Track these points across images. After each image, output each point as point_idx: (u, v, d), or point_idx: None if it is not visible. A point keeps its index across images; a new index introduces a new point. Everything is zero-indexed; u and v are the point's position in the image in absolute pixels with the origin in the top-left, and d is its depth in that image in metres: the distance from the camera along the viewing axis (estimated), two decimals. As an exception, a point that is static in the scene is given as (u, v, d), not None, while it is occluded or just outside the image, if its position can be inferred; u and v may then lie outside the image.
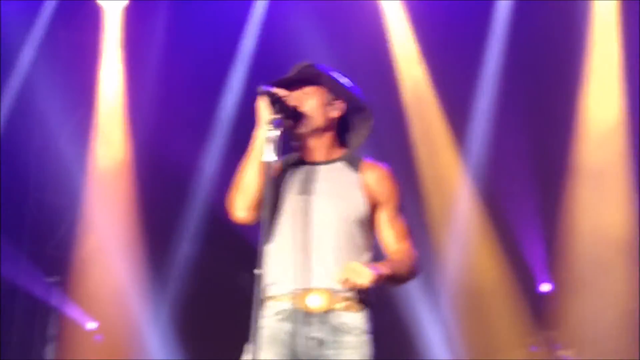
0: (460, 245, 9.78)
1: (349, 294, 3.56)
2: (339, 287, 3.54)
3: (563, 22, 9.28)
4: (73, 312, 9.75)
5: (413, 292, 9.50)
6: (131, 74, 10.17)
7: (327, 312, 3.55)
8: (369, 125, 3.85)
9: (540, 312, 9.56)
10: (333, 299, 3.55)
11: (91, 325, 9.78)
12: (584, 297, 9.21)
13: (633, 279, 9.05)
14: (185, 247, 9.73)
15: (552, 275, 9.63)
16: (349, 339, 3.55)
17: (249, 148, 3.62)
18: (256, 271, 3.35)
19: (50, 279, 9.84)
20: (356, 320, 3.58)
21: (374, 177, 3.74)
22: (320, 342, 3.53)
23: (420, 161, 9.89)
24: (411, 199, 9.67)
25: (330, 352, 3.53)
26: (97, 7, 10.15)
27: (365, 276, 3.47)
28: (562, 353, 9.16)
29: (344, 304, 3.57)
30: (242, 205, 3.62)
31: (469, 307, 9.67)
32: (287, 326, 3.54)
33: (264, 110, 3.56)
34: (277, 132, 3.51)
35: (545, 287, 9.68)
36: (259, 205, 3.57)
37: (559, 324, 9.32)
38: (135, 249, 9.81)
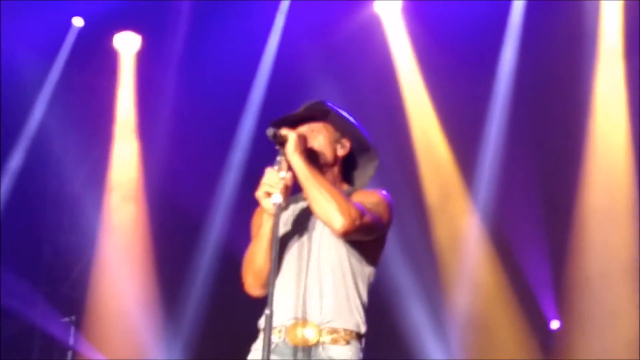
0: (469, 283, 9.77)
1: (337, 327, 3.52)
2: (327, 320, 3.51)
3: (569, 59, 9.29)
4: (88, 351, 9.80)
5: (422, 329, 9.53)
6: (145, 116, 10.29)
7: (314, 345, 3.50)
8: (375, 165, 3.85)
9: (550, 350, 9.57)
10: (320, 332, 3.51)
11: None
12: (593, 335, 9.18)
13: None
14: (198, 286, 9.78)
15: (561, 313, 9.63)
16: None
17: (258, 231, 3.59)
18: (266, 311, 3.31)
19: (66, 319, 9.93)
20: (343, 353, 3.50)
21: (361, 193, 3.72)
22: None
23: (430, 200, 9.91)
24: (420, 238, 9.72)
25: None
26: (112, 50, 10.29)
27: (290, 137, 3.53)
28: (571, 390, 9.18)
29: (331, 337, 3.51)
30: (256, 284, 3.61)
31: (479, 344, 9.64)
32: None
33: (265, 201, 3.52)
34: (288, 175, 3.50)
35: (554, 325, 9.69)
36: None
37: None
38: (149, 289, 9.88)
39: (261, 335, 3.54)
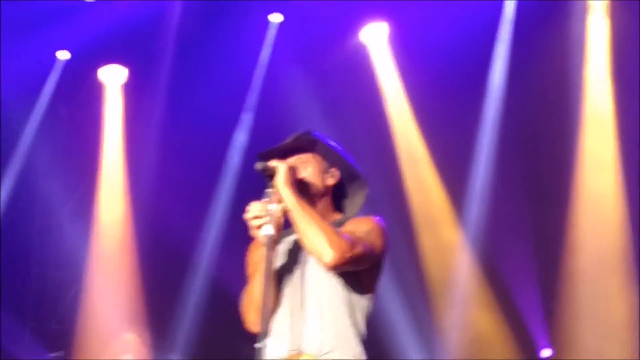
0: (460, 310, 9.76)
1: (335, 358, 3.49)
2: (325, 351, 3.48)
3: (557, 80, 9.30)
4: (77, 386, 9.75)
5: (413, 357, 9.50)
6: (132, 149, 10.26)
7: None
8: (364, 193, 3.84)
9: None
10: None
11: None
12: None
13: (634, 346, 9.03)
14: (188, 321, 9.73)
15: (553, 340, 9.61)
16: None
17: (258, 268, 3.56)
18: (257, 345, 3.29)
19: (54, 354, 9.85)
20: None
21: (354, 222, 3.71)
22: None
23: (419, 226, 9.91)
24: (411, 264, 9.70)
25: None
26: (98, 83, 10.27)
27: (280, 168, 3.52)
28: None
29: None
30: (256, 321, 3.53)
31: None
32: None
33: (254, 232, 3.53)
34: (279, 207, 3.50)
35: (545, 353, 9.66)
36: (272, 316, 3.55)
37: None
38: (138, 323, 9.82)
39: None
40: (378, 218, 3.73)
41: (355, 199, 3.86)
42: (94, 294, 9.92)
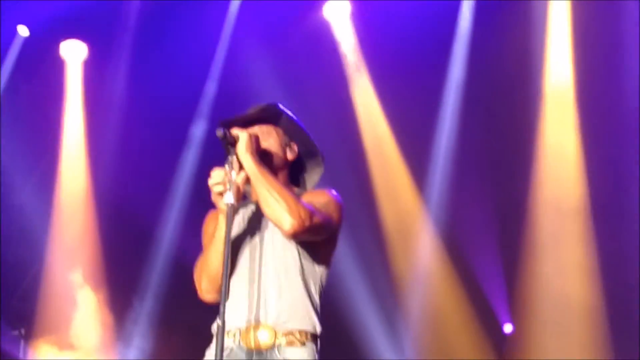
0: (422, 287, 9.80)
1: (292, 328, 3.50)
2: (281, 322, 3.49)
3: (518, 59, 9.33)
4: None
5: (376, 334, 9.53)
6: (93, 125, 10.19)
7: (270, 348, 3.47)
8: (321, 171, 3.86)
9: (504, 353, 9.60)
10: (275, 334, 3.48)
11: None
12: (547, 337, 9.24)
13: (597, 318, 9.11)
14: (150, 294, 9.72)
15: (515, 316, 9.68)
16: None
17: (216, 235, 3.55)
18: (218, 321, 3.27)
19: (15, 332, 9.80)
20: (299, 355, 3.48)
21: (310, 194, 3.71)
22: None
23: (381, 205, 9.93)
24: (373, 242, 9.72)
25: None
26: (58, 59, 10.19)
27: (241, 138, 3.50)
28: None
29: (286, 339, 3.49)
30: (211, 288, 3.57)
31: (432, 348, 9.68)
32: None
33: (216, 198, 3.52)
34: (240, 175, 3.48)
35: (508, 328, 9.73)
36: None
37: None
38: (100, 298, 9.79)
39: (215, 340, 3.46)
40: (334, 192, 3.74)
41: (312, 176, 3.88)
42: (56, 270, 9.86)
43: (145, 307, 9.72)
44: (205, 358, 3.58)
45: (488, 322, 9.71)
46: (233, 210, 3.45)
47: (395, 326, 9.65)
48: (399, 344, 9.65)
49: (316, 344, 3.57)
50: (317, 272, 3.64)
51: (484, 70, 9.49)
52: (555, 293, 9.27)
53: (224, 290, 3.31)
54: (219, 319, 3.28)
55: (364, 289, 9.54)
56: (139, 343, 9.69)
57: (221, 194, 3.48)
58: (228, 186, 3.45)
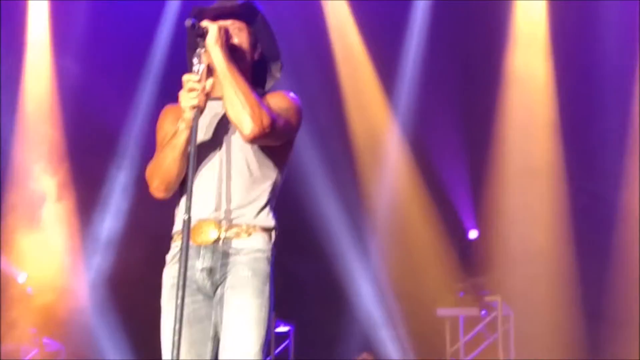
0: (389, 194, 9.86)
1: (238, 222, 3.49)
2: (228, 218, 3.48)
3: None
4: (4, 265, 9.70)
5: (343, 241, 9.59)
6: (58, 28, 10.04)
7: (216, 242, 3.47)
8: (278, 76, 3.78)
9: (468, 259, 9.72)
10: (221, 228, 3.47)
11: (22, 277, 9.74)
12: (511, 243, 9.35)
13: (560, 226, 9.22)
14: (116, 197, 9.73)
15: (480, 222, 9.77)
16: (237, 259, 3.48)
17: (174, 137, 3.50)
18: (184, 216, 3.27)
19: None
20: (246, 242, 3.47)
21: (270, 96, 3.64)
22: (210, 271, 3.47)
23: (350, 111, 9.93)
24: (341, 149, 9.74)
25: (217, 277, 3.47)
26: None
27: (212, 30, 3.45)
28: (489, 299, 9.34)
29: (233, 231, 3.49)
30: (162, 187, 3.54)
31: (399, 254, 9.76)
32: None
33: (185, 97, 3.44)
34: (202, 66, 3.42)
35: (473, 234, 9.83)
36: (176, 185, 3.53)
37: (487, 271, 9.48)
38: (67, 203, 9.78)
39: (174, 244, 3.55)
40: (292, 94, 3.69)
41: (269, 81, 3.78)
42: (21, 174, 9.81)
43: (111, 207, 9.76)
44: (167, 265, 3.58)
45: (453, 228, 9.80)
46: (199, 115, 3.41)
47: (360, 230, 9.72)
48: (365, 248, 9.73)
49: (270, 237, 3.56)
50: (272, 175, 3.62)
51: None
52: (520, 200, 9.36)
53: (190, 186, 3.30)
54: (185, 213, 3.28)
55: (331, 193, 9.57)
56: (102, 244, 9.74)
57: (192, 90, 3.41)
58: (199, 87, 3.40)
